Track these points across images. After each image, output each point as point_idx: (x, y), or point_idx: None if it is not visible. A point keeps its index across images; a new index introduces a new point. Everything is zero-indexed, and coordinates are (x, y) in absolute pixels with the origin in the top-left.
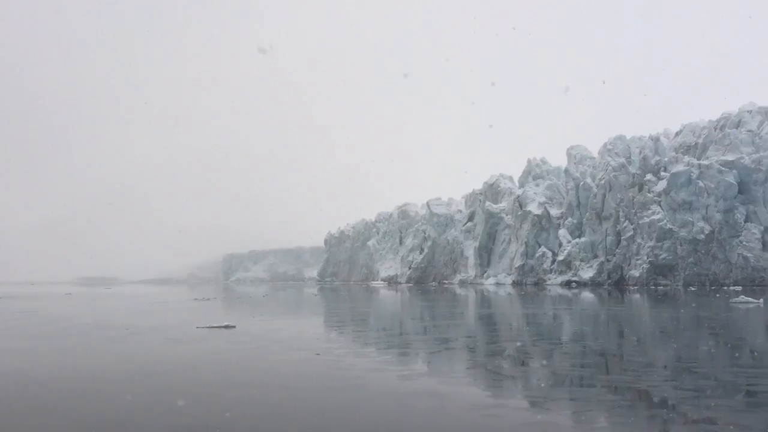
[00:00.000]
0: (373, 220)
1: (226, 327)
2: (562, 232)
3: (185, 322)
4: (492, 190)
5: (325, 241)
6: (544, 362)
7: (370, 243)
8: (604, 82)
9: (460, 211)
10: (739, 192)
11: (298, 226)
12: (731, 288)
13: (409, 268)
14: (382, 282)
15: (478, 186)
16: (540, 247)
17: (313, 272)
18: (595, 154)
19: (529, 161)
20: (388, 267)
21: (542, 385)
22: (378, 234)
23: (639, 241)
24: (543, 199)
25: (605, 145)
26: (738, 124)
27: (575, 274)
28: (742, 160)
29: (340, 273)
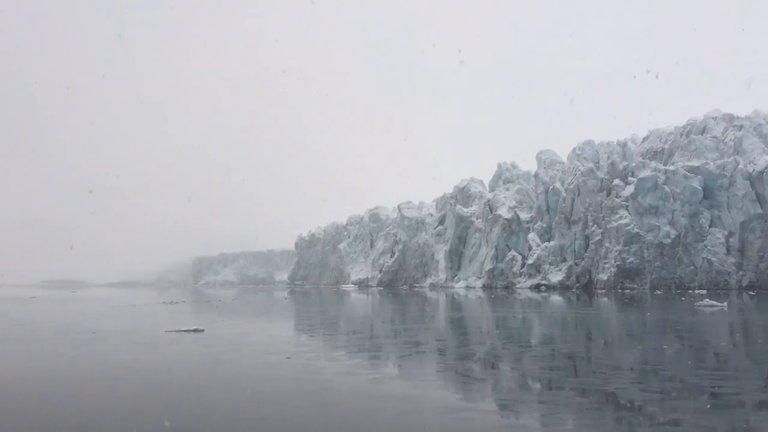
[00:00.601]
0: (344, 223)
1: (195, 331)
2: (532, 236)
3: (153, 326)
4: (463, 194)
5: (296, 244)
6: (514, 365)
7: (341, 246)
8: (566, 94)
9: (431, 215)
10: (704, 197)
11: (269, 229)
12: (696, 291)
13: (380, 271)
14: (353, 285)
15: (449, 190)
16: (510, 250)
17: (284, 275)
18: (565, 159)
19: (499, 165)
20: (359, 270)
21: (512, 388)
22: (349, 237)
23: (607, 245)
24: (513, 203)
25: (574, 150)
26: (703, 131)
27: (544, 278)
28: (707, 166)
29: (310, 276)
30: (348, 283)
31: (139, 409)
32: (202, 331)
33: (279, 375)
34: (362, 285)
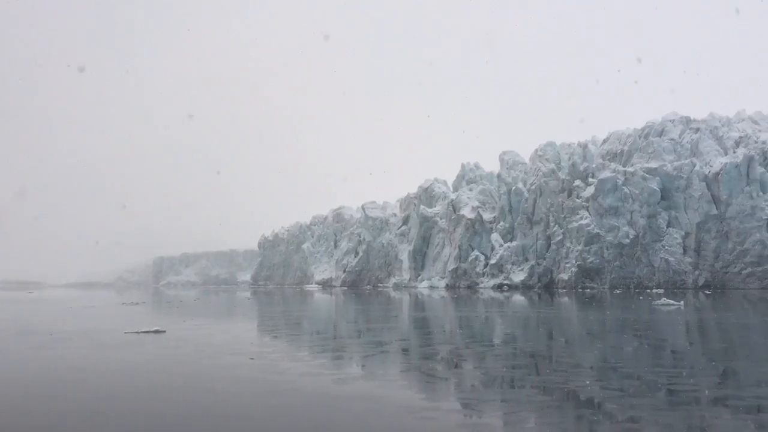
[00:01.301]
0: (308, 223)
1: (156, 332)
2: (495, 236)
3: (113, 327)
4: (426, 194)
5: (259, 244)
6: (477, 364)
7: (304, 246)
8: (528, 94)
9: (395, 215)
10: (662, 198)
11: (232, 229)
12: (654, 291)
13: (344, 271)
14: (317, 285)
15: (413, 190)
16: (473, 250)
17: (247, 276)
18: (527, 160)
19: (463, 166)
20: (323, 270)
21: (475, 387)
22: (313, 237)
23: (568, 245)
24: (476, 204)
25: (536, 151)
26: (661, 133)
27: (507, 278)
28: (664, 168)
29: (274, 276)
30: (312, 284)
31: (101, 411)
32: (164, 332)
33: (242, 376)
34: (326, 285)
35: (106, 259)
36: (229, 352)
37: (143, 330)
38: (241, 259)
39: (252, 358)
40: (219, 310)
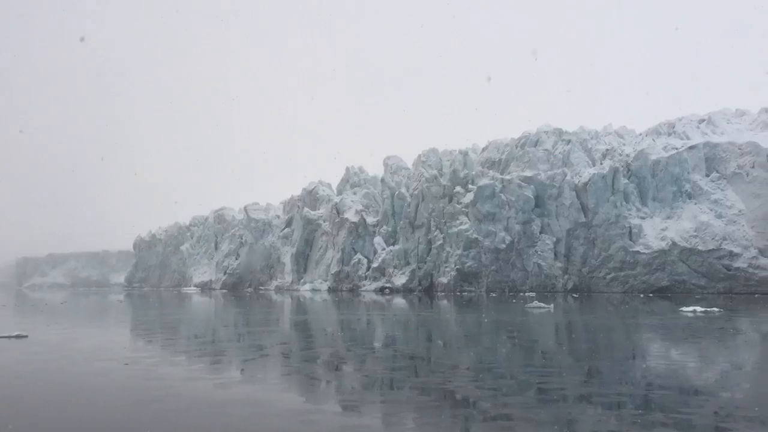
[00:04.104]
0: (188, 223)
1: (18, 337)
2: (378, 240)
3: None
4: (310, 197)
5: (134, 245)
6: (358, 367)
7: (183, 247)
8: (410, 100)
9: (278, 217)
10: (536, 205)
11: (104, 228)
12: (527, 294)
13: (225, 273)
14: (196, 288)
15: (297, 192)
16: (356, 254)
17: (120, 278)
18: (410, 165)
19: (347, 169)
20: (203, 272)
21: (356, 389)
22: (192, 238)
23: (448, 249)
24: (360, 207)
25: (419, 157)
26: (536, 143)
27: (389, 281)
28: (538, 177)
29: (150, 278)
30: (190, 286)
31: None
32: (26, 337)
33: (116, 382)
34: (205, 287)
35: None
36: (101, 357)
37: (2, 335)
38: (114, 260)
39: (126, 364)
40: (89, 313)
